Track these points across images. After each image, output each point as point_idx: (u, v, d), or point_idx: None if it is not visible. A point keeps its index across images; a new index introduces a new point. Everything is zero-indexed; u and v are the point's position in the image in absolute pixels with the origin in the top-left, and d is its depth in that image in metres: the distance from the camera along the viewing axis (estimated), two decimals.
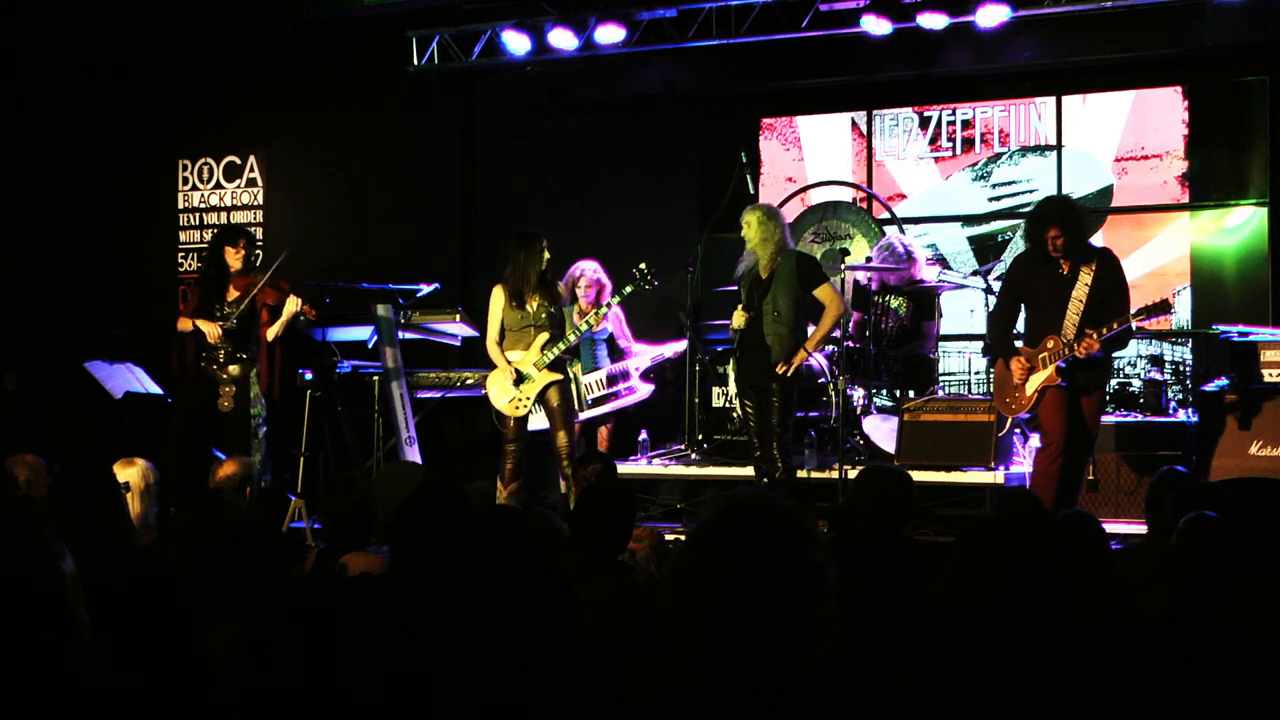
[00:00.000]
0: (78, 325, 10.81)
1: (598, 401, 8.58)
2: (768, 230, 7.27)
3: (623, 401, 8.64)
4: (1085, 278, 6.59)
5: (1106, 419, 8.08)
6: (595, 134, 10.49)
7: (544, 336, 7.52)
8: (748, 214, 7.37)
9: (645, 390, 8.71)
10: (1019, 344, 6.84)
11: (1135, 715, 2.60)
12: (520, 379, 7.54)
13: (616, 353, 8.76)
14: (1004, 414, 7.16)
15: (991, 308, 7.81)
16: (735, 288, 7.56)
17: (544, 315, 7.55)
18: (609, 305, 8.03)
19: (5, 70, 11.00)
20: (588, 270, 8.59)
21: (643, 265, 7.70)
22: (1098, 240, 9.18)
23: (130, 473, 5.32)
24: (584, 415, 8.51)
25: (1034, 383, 6.64)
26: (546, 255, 7.56)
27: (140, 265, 11.37)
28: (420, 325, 8.92)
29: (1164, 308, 6.54)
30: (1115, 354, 7.03)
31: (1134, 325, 6.57)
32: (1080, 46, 9.22)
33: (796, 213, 9.61)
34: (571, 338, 7.64)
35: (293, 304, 7.80)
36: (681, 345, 8.70)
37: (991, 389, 7.12)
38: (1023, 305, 6.92)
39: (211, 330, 7.81)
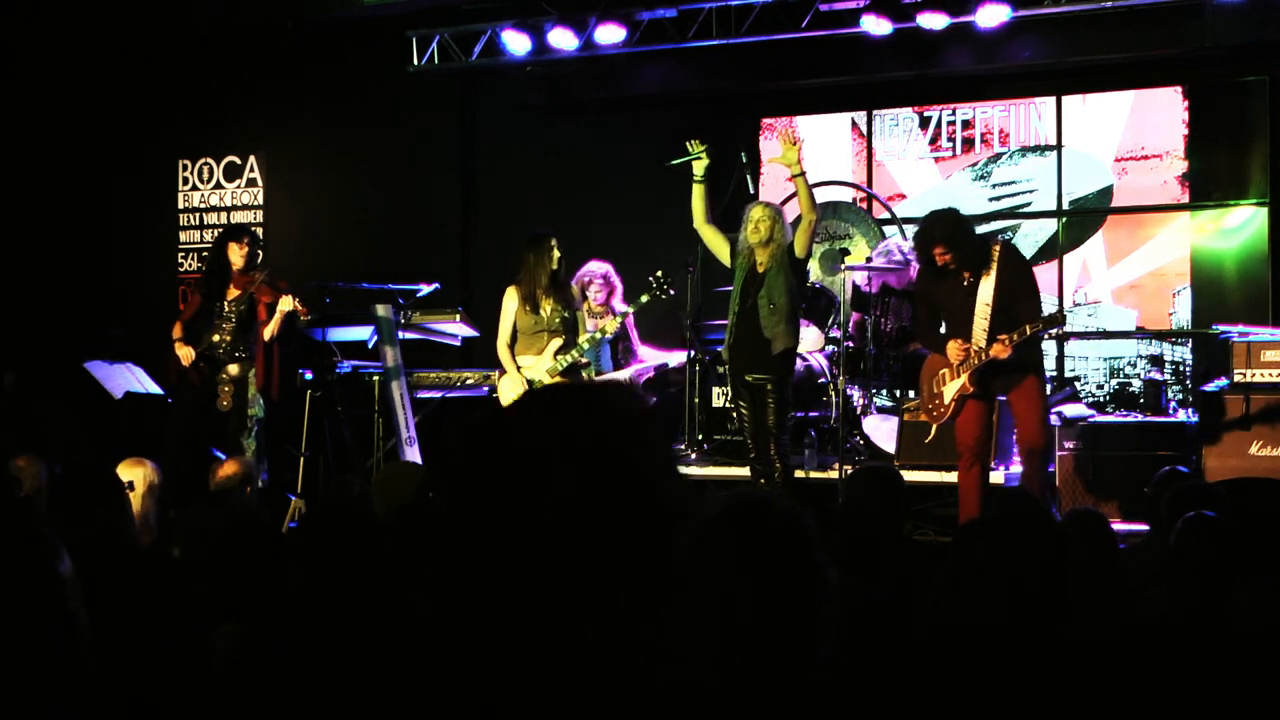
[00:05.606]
0: (78, 325, 10.81)
1: None
2: (780, 231, 7.16)
3: None
4: (987, 284, 6.45)
5: (1107, 419, 8.08)
6: (595, 134, 10.48)
7: (557, 343, 7.41)
8: (760, 209, 7.15)
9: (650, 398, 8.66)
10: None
11: (1135, 716, 2.61)
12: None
13: (622, 355, 8.72)
14: (929, 422, 7.11)
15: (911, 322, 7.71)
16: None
17: (558, 320, 7.42)
18: (624, 314, 7.92)
19: (5, 70, 11.00)
20: (598, 272, 8.52)
21: (659, 274, 7.59)
22: (1096, 240, 9.21)
23: (136, 472, 5.32)
24: None
25: (950, 391, 6.57)
26: (556, 254, 7.44)
27: (140, 265, 11.37)
28: (420, 325, 8.91)
29: (1057, 320, 6.45)
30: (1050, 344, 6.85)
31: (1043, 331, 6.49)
32: (1080, 46, 9.21)
33: (797, 213, 9.58)
34: (585, 345, 7.54)
35: (285, 303, 7.82)
36: (683, 355, 8.67)
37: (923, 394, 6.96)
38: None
39: (185, 354, 7.86)
